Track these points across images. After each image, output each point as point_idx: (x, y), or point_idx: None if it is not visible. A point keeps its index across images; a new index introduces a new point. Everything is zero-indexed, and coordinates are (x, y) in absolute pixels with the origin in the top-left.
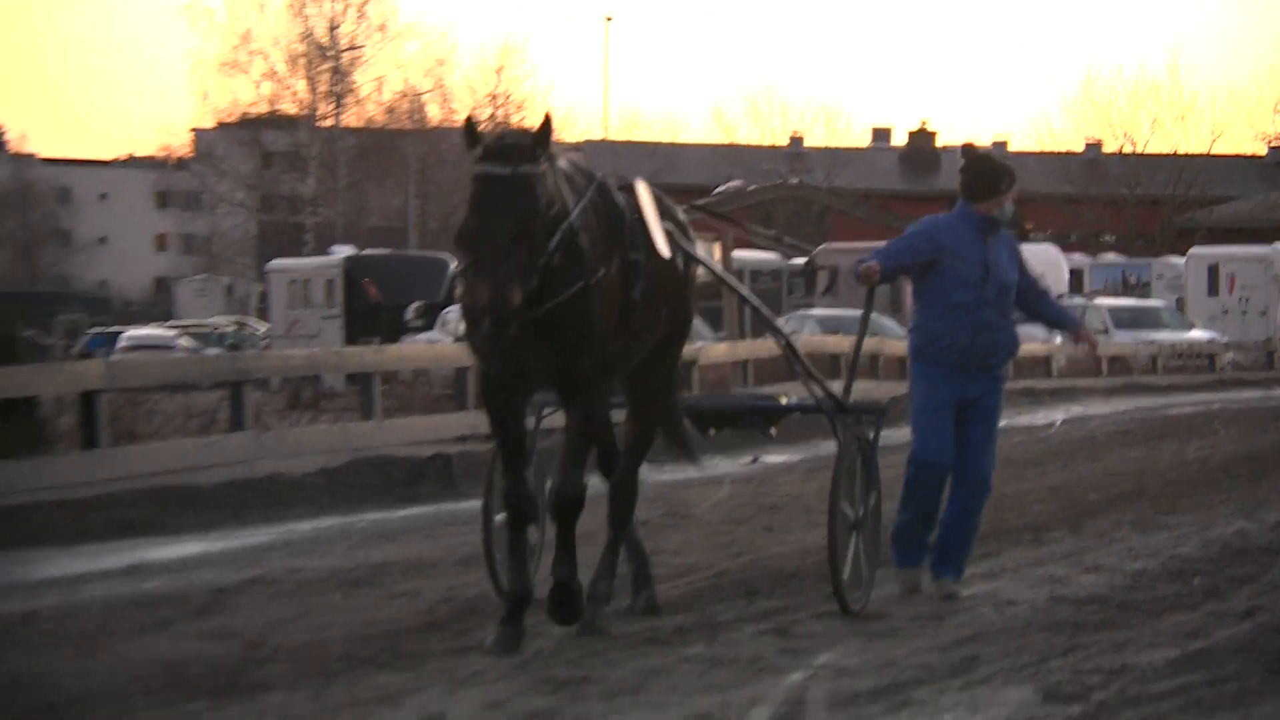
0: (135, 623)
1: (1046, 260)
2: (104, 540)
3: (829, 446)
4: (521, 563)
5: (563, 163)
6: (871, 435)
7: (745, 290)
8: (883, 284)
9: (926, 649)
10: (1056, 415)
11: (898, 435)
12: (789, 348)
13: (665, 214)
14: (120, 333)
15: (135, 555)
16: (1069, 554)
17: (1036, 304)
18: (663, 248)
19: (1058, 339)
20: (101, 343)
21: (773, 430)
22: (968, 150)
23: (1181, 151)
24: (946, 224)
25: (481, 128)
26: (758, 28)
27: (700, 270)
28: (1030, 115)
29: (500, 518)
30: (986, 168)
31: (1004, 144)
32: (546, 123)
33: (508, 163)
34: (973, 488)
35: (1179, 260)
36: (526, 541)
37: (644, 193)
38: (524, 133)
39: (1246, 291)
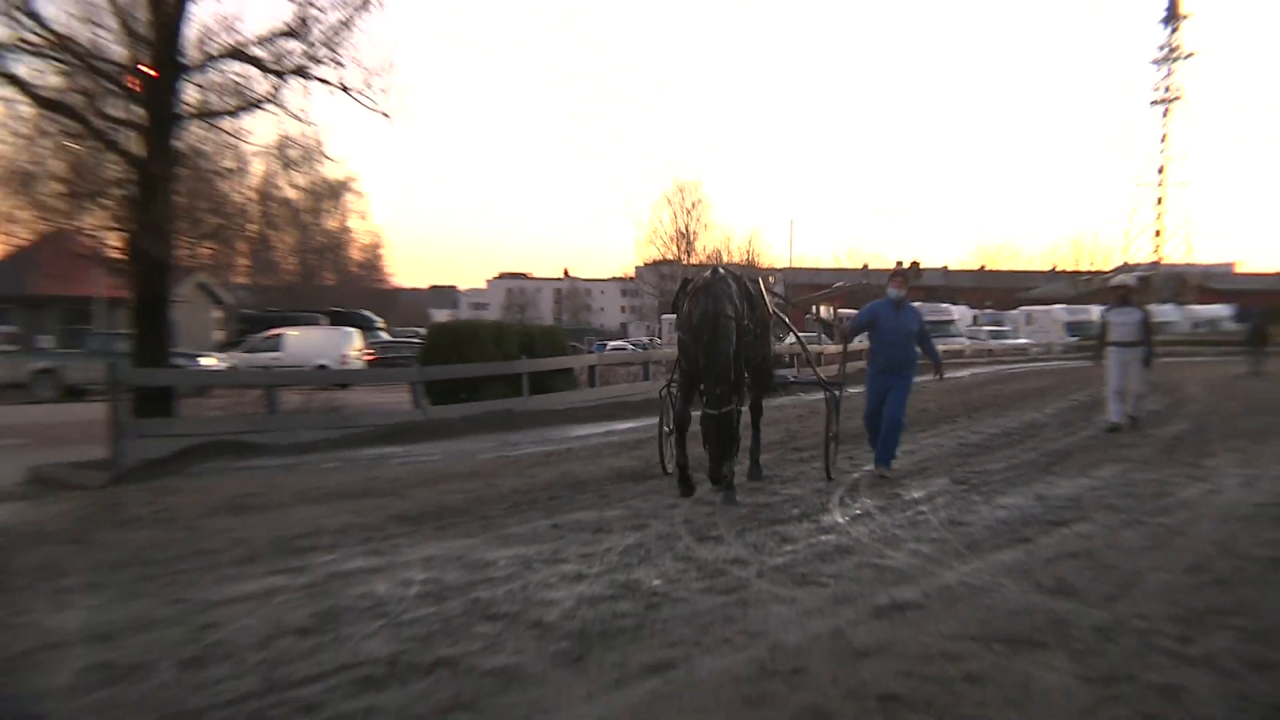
0: (608, 452)
1: (963, 312)
2: (596, 421)
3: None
4: (685, 450)
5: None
6: (838, 395)
7: (790, 326)
8: (854, 335)
9: (899, 467)
10: (963, 373)
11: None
12: (806, 353)
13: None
14: (606, 343)
15: (607, 427)
16: (966, 427)
17: (924, 343)
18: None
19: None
20: (601, 348)
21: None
22: (898, 264)
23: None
24: (879, 305)
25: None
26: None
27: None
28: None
29: (668, 429)
30: (895, 271)
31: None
32: None
33: None
34: (891, 423)
35: (1015, 312)
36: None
37: (761, 280)
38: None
39: (1042, 325)
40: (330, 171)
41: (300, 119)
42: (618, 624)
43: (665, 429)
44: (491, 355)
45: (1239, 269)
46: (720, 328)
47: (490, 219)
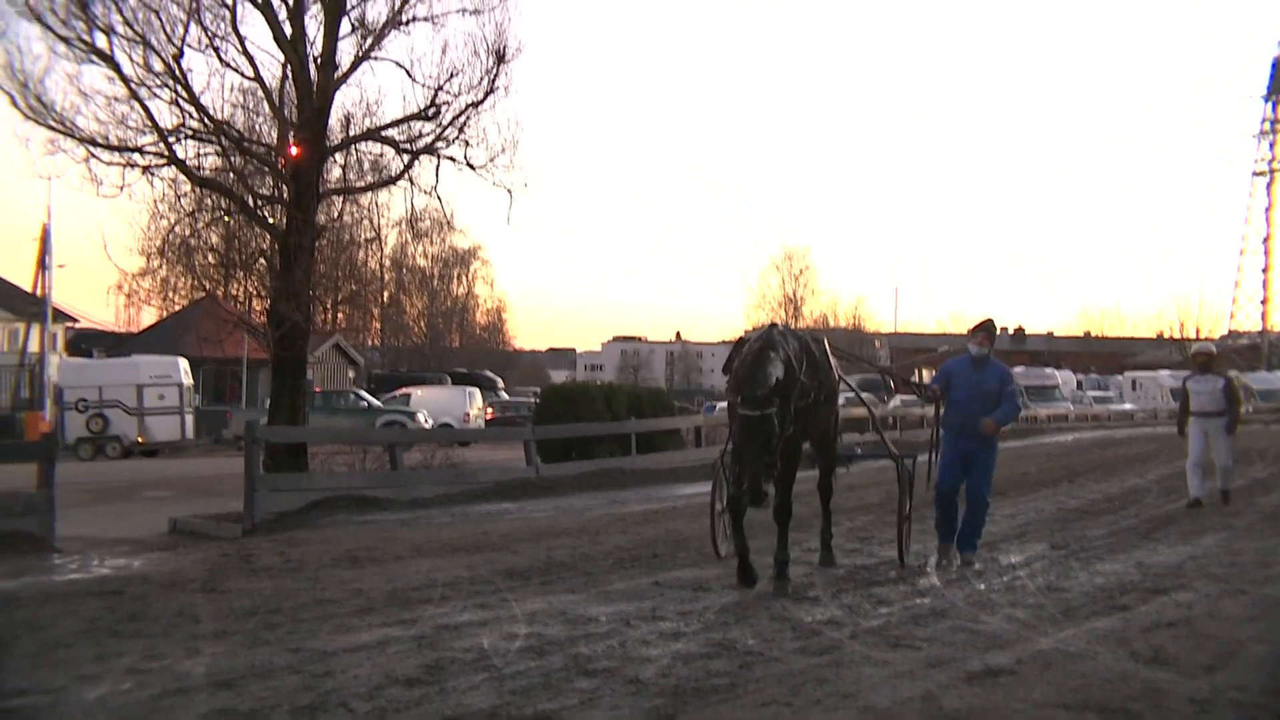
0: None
1: (1067, 376)
2: (701, 480)
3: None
4: (744, 535)
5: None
6: (911, 466)
7: (855, 390)
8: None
9: (997, 530)
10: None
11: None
12: (872, 417)
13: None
14: (715, 404)
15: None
16: (1066, 491)
17: (1003, 401)
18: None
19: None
20: (710, 409)
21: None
22: (981, 320)
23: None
24: (955, 363)
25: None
26: None
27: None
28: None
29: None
30: (977, 326)
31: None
32: None
33: None
34: (975, 502)
35: (1120, 377)
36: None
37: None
38: None
39: (1147, 390)
40: (459, 241)
41: (429, 194)
42: (711, 682)
43: (717, 506)
44: (601, 415)
45: None
46: (763, 358)
47: (607, 284)
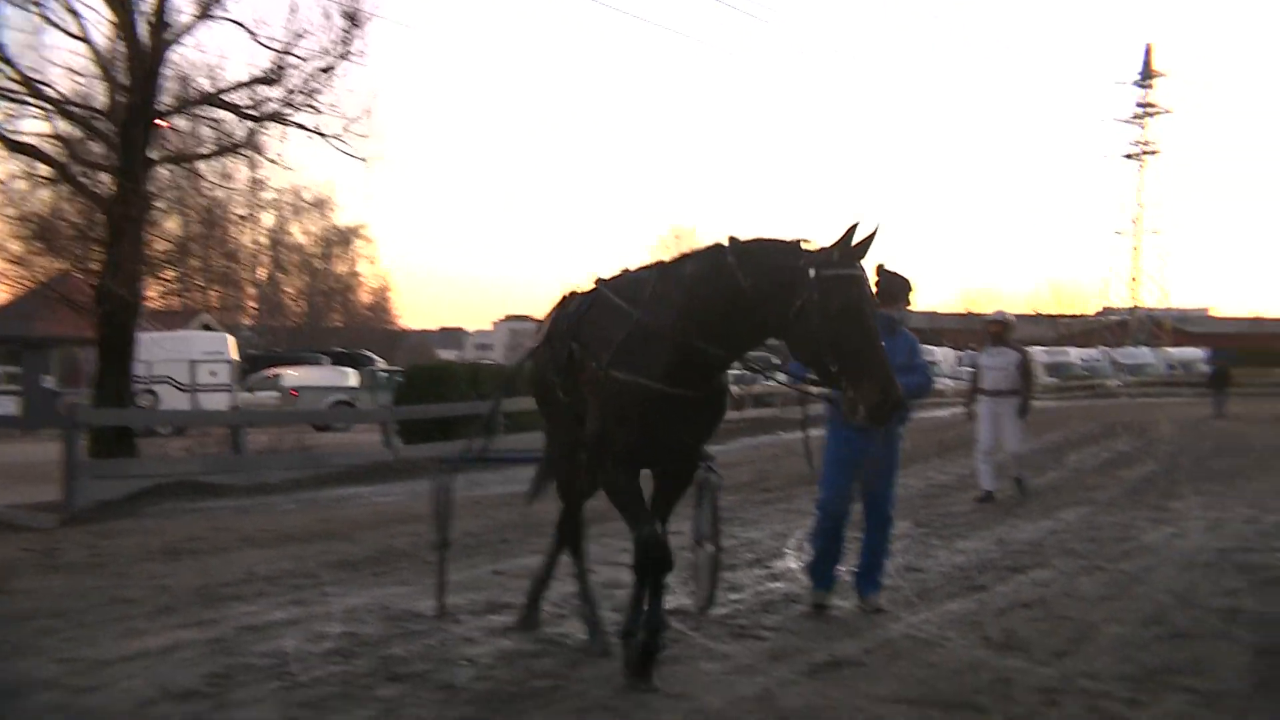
0: None
1: (946, 353)
2: None
3: None
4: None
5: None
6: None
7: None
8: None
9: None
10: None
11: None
12: None
13: None
14: None
15: None
16: (937, 467)
17: (913, 376)
18: None
19: None
20: None
21: None
22: (880, 267)
23: None
24: None
25: None
26: None
27: None
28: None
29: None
30: (891, 279)
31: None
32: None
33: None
34: (881, 520)
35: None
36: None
37: None
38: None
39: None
40: (341, 219)
41: (278, 164)
42: (532, 685)
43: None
44: (467, 396)
45: (1213, 313)
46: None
47: (498, 262)
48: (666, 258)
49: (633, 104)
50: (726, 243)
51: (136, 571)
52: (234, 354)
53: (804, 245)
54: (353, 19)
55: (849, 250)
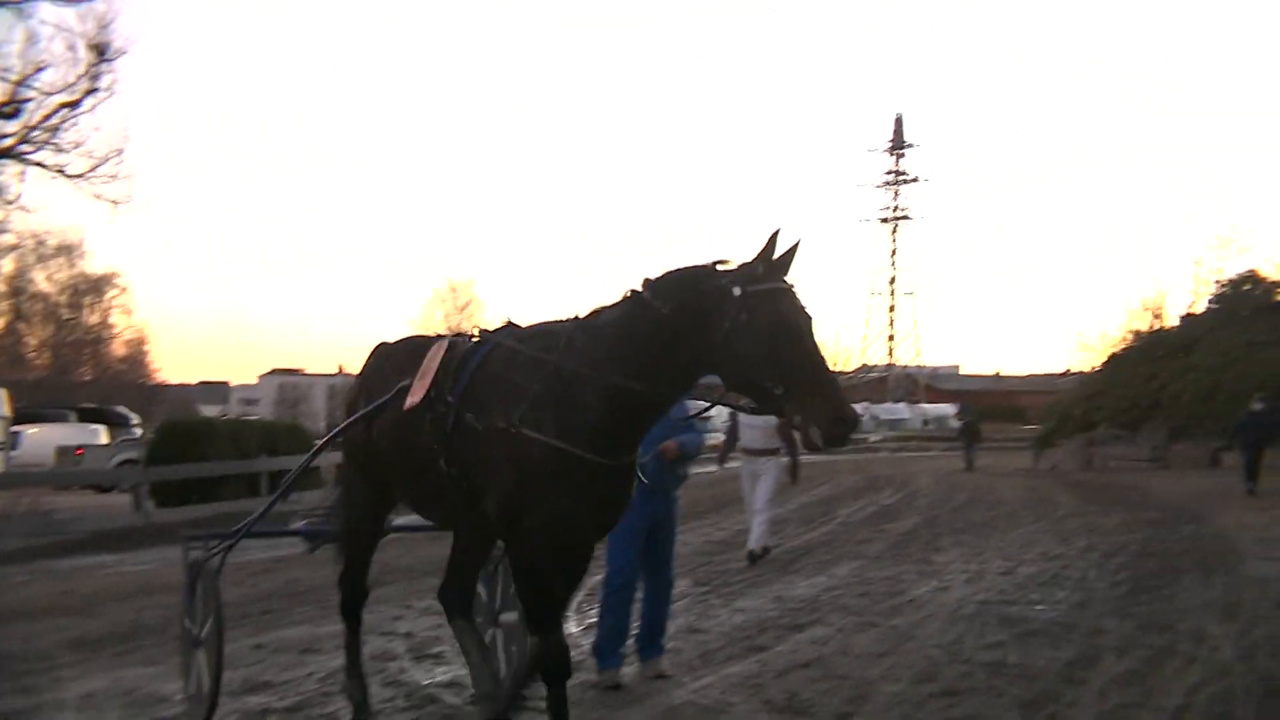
0: None
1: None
2: None
3: None
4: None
5: None
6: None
7: None
8: None
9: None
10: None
11: None
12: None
13: None
14: None
15: None
16: (710, 524)
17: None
18: None
19: None
20: None
21: None
22: None
23: None
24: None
25: None
26: None
27: None
28: None
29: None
30: None
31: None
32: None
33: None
34: (663, 583)
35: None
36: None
37: None
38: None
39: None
40: (92, 265)
41: (16, 205)
42: None
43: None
44: (228, 454)
45: (963, 370)
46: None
47: (264, 313)
48: (571, 314)
49: (411, 154)
50: (641, 285)
51: None
52: (7, 409)
53: (720, 266)
54: (101, 52)
55: (773, 264)
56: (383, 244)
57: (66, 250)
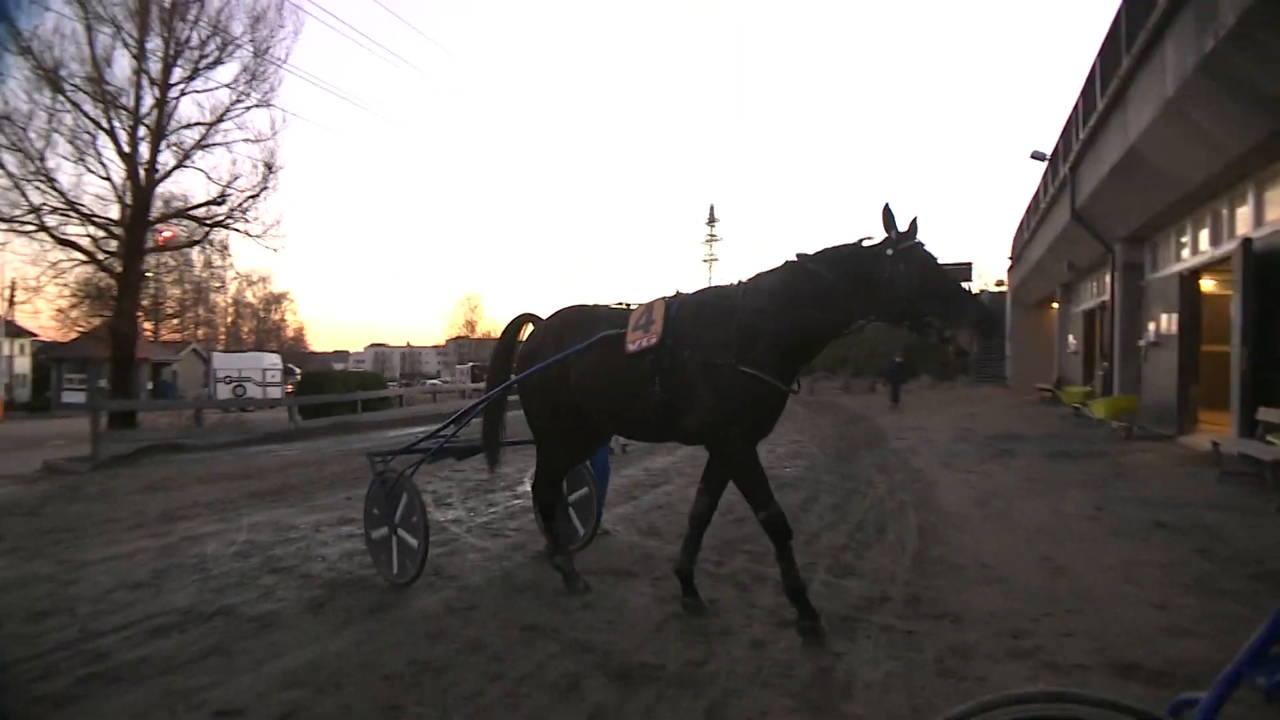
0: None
1: None
2: (404, 426)
3: None
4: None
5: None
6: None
7: None
8: None
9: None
10: None
11: None
12: None
13: None
14: (425, 381)
15: (410, 430)
16: None
17: None
18: None
19: None
20: (423, 384)
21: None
22: None
23: None
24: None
25: None
26: None
27: None
28: None
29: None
30: None
31: None
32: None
33: None
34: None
35: None
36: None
37: None
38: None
39: None
40: (275, 288)
41: (221, 252)
42: (360, 574)
43: None
44: (339, 390)
45: None
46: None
47: (369, 305)
48: (731, 280)
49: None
50: (796, 258)
51: (125, 501)
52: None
53: (865, 241)
54: (269, 167)
55: (904, 232)
56: (423, 256)
57: (262, 279)
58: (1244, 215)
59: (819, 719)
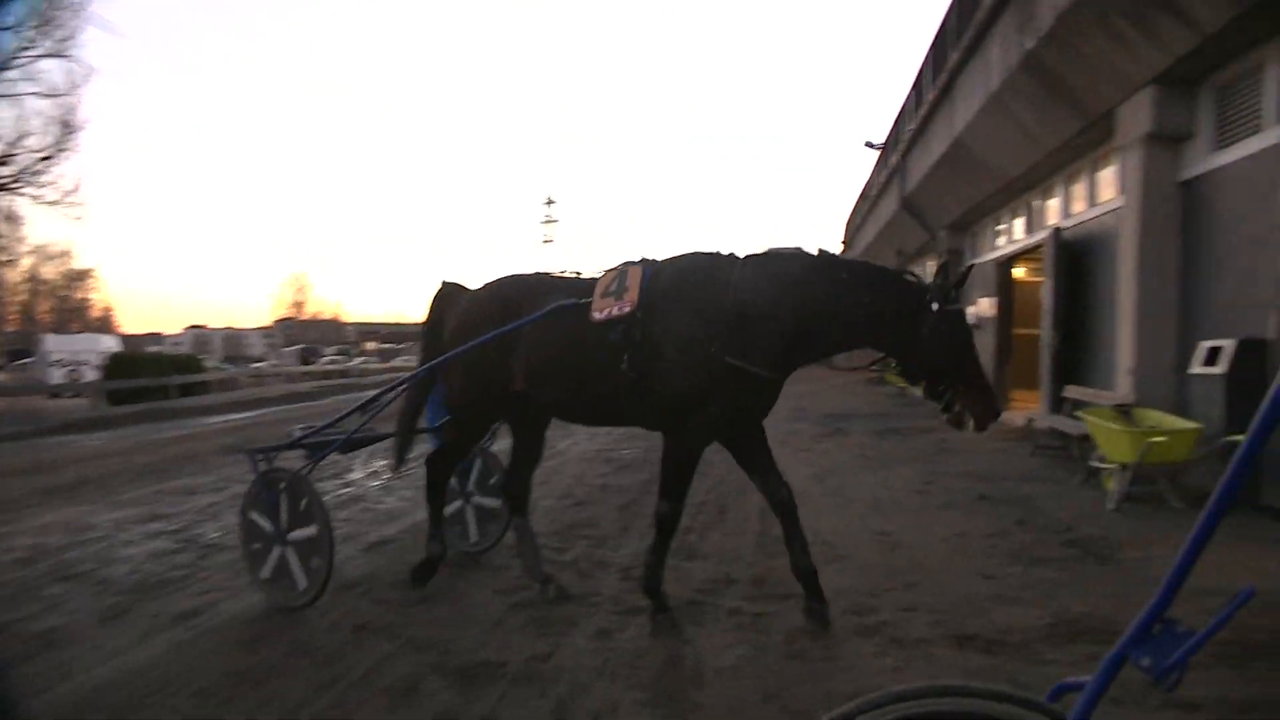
0: (217, 434)
1: None
2: (219, 414)
3: None
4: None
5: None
6: None
7: None
8: None
9: None
10: None
11: None
12: None
13: None
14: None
15: (225, 417)
16: None
17: None
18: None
19: None
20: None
21: None
22: None
23: None
24: None
25: None
26: None
27: None
28: None
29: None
30: None
31: None
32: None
33: None
34: None
35: None
36: None
37: None
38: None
39: None
40: (77, 264)
41: (10, 220)
42: (170, 575)
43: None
44: (152, 373)
45: None
46: None
47: (186, 281)
48: (732, 251)
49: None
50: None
51: None
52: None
53: (909, 277)
54: (67, 126)
55: (958, 288)
56: (244, 232)
57: (63, 253)
58: (1054, 207)
59: (671, 709)
